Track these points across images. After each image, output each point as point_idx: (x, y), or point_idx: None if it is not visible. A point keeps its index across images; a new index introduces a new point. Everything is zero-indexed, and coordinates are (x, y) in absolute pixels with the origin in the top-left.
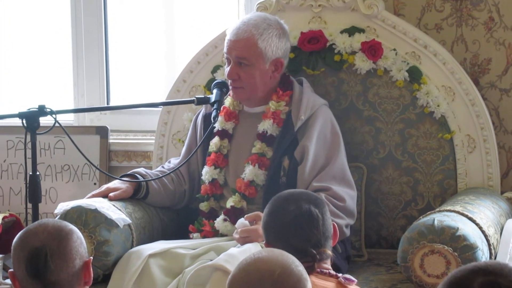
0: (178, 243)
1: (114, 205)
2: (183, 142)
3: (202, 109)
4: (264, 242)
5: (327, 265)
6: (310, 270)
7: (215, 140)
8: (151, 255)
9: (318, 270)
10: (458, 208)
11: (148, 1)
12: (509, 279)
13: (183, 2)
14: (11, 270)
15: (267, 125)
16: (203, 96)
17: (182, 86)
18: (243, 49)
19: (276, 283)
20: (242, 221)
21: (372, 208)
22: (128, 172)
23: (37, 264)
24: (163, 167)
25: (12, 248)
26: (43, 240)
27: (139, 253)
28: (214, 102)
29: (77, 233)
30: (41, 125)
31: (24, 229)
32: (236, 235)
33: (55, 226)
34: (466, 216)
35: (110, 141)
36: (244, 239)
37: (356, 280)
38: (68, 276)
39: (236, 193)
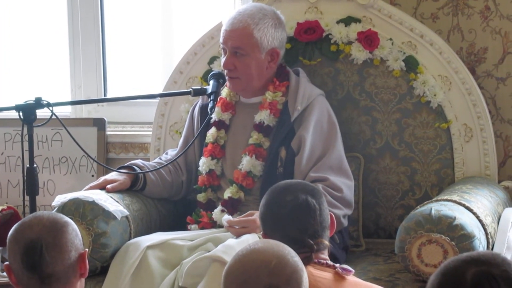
0: (176, 234)
1: (111, 197)
2: (180, 133)
3: (199, 100)
4: (261, 233)
5: (325, 255)
6: (307, 261)
7: (212, 131)
8: (149, 247)
9: (316, 260)
10: (455, 197)
11: None
12: (502, 269)
13: None
14: (7, 263)
15: (264, 116)
16: (200, 87)
17: (179, 77)
18: (238, 39)
19: (272, 274)
20: (226, 217)
21: (369, 198)
22: (126, 164)
23: (33, 257)
24: (160, 158)
25: (7, 241)
26: (38, 233)
27: (137, 245)
28: (211, 93)
29: (72, 225)
30: (38, 117)
31: (19, 222)
32: (230, 229)
33: (50, 219)
34: (463, 206)
35: (108, 133)
36: (242, 230)
37: (353, 270)
38: (64, 268)
39: (234, 184)
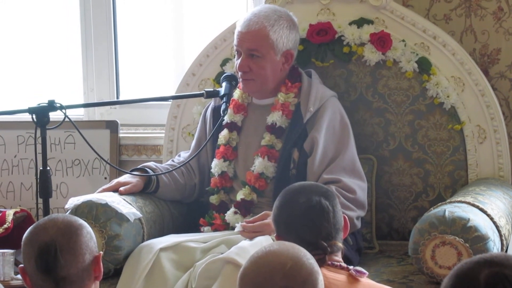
0: (189, 236)
1: (124, 199)
2: (193, 135)
3: (211, 102)
4: (275, 235)
5: (338, 257)
6: (321, 263)
7: (224, 132)
8: (162, 249)
9: (329, 262)
10: (469, 199)
11: None
12: None
13: None
14: (22, 265)
15: (276, 117)
16: (212, 90)
17: (191, 79)
18: (254, 41)
19: (287, 276)
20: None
21: (382, 199)
22: (138, 166)
23: (47, 260)
24: (173, 160)
25: (22, 243)
26: (53, 236)
27: (150, 247)
28: (224, 95)
29: (87, 228)
30: (51, 120)
31: (33, 225)
32: (244, 234)
33: (65, 221)
34: (477, 207)
35: (120, 135)
36: (256, 234)
37: (367, 273)
38: (78, 271)
39: (246, 186)
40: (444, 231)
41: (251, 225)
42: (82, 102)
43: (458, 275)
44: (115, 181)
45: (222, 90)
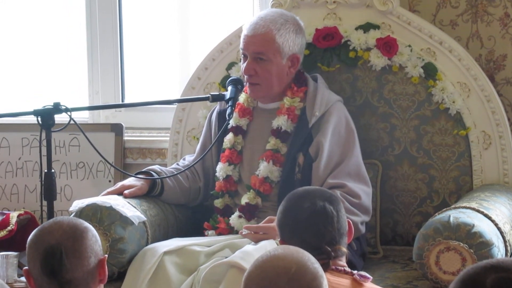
0: (193, 240)
1: (129, 203)
2: (198, 139)
3: (217, 106)
4: (279, 239)
5: (342, 262)
6: (325, 268)
7: (229, 136)
8: (166, 253)
9: (333, 267)
10: (473, 204)
11: None
12: None
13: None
14: (26, 268)
15: (281, 121)
16: (218, 93)
17: (196, 83)
18: (260, 44)
19: (291, 280)
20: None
21: (387, 205)
22: (143, 170)
23: (52, 263)
24: (178, 164)
25: (27, 246)
26: (58, 239)
27: (154, 251)
28: (229, 99)
29: (92, 231)
30: (56, 122)
31: (39, 227)
32: (249, 235)
33: (70, 224)
34: (482, 213)
35: (125, 138)
36: (261, 237)
37: (371, 277)
38: (83, 274)
39: (251, 190)
40: (449, 236)
41: (255, 226)
42: (87, 104)
43: (464, 280)
44: (119, 184)
45: (227, 94)
